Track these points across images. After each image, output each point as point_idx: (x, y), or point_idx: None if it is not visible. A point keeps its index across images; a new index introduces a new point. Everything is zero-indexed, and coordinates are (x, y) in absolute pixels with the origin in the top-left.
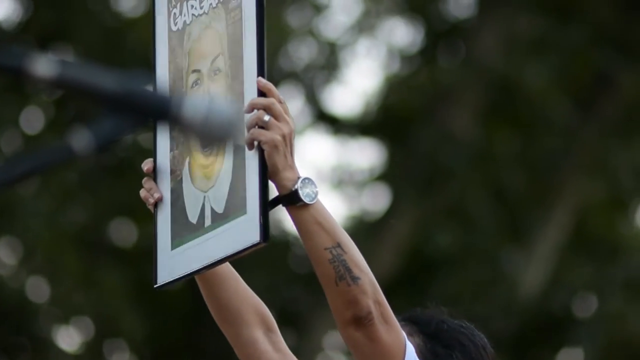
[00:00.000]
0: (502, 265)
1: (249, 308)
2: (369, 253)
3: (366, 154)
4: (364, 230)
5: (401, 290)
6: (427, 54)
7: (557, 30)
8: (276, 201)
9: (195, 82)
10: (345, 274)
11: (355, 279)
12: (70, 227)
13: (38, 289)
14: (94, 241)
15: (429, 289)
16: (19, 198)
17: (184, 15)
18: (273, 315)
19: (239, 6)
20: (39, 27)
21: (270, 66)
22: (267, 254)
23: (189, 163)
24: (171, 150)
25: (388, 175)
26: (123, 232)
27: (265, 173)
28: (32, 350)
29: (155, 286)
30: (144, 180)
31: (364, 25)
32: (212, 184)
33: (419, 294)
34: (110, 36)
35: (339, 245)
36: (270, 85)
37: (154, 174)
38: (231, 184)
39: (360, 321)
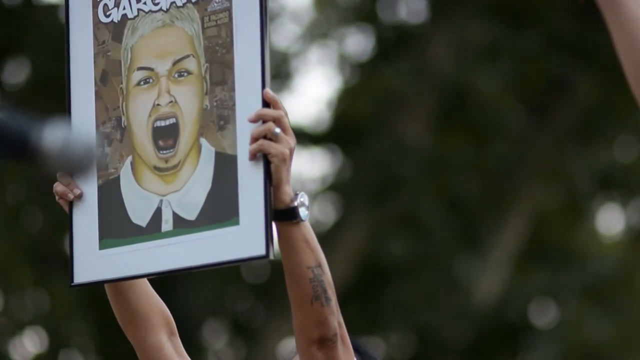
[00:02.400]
0: (456, 273)
1: (157, 311)
2: None
3: (318, 163)
4: (317, 239)
5: (355, 299)
6: (378, 62)
7: (510, 36)
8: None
9: (145, 80)
10: (321, 295)
11: (328, 300)
12: (22, 238)
13: None
14: (46, 252)
15: (382, 297)
16: None
17: (124, 9)
18: (226, 325)
19: (226, 9)
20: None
21: None
22: None
23: (132, 163)
24: (98, 146)
25: (340, 184)
26: None
27: (269, 185)
28: None
29: (71, 284)
30: (59, 174)
31: (315, 34)
32: (174, 188)
33: (372, 303)
34: (60, 48)
35: (319, 265)
36: (277, 97)
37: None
38: (210, 192)
39: (325, 342)
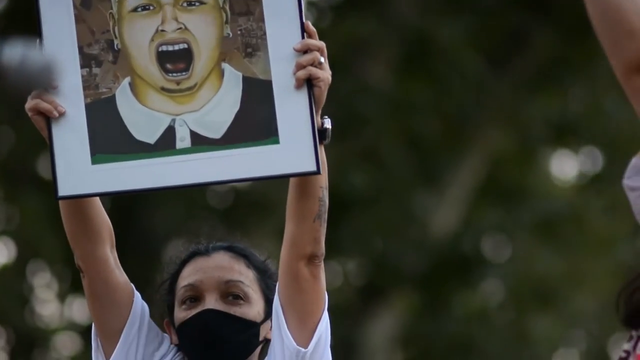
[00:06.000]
0: (414, 206)
1: (105, 226)
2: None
3: None
4: None
5: None
6: (344, 7)
7: None
8: None
9: (144, 7)
10: (322, 214)
11: (325, 221)
12: None
13: None
14: (19, 170)
15: (342, 225)
16: None
17: None
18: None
19: None
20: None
21: None
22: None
23: (132, 83)
24: (83, 67)
25: None
26: (49, 166)
27: (313, 108)
28: None
29: (57, 197)
30: (37, 92)
31: None
32: (191, 108)
33: (332, 230)
34: None
35: (326, 188)
36: (314, 29)
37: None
38: (238, 112)
39: (313, 259)
